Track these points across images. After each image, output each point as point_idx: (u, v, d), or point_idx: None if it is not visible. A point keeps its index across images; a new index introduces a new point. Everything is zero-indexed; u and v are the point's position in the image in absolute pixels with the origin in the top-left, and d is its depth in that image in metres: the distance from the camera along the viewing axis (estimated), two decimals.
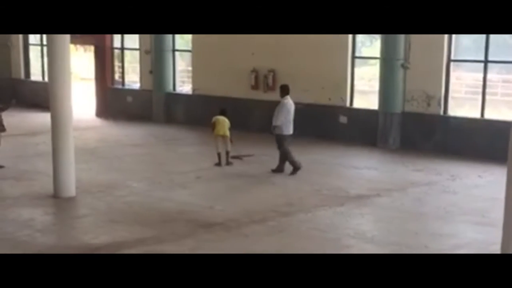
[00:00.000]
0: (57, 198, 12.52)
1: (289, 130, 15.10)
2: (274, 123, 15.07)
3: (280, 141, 15.10)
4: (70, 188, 12.66)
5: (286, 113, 15.04)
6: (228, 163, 15.83)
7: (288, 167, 15.01)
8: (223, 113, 16.15)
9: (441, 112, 17.57)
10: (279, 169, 15.09)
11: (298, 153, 15.84)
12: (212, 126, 15.90)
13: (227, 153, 15.89)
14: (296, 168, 14.95)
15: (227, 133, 15.81)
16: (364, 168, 15.78)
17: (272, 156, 16.03)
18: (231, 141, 15.86)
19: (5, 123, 15.23)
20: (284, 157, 15.07)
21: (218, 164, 15.79)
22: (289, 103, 15.20)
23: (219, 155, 15.84)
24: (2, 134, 15.24)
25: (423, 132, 17.71)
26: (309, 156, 16.88)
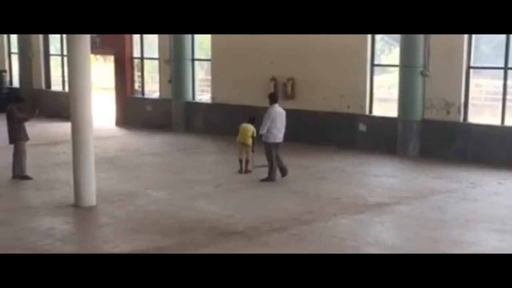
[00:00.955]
0: (78, 207, 12.59)
1: (275, 138, 15.13)
2: (260, 131, 15.17)
3: (266, 148, 15.20)
4: (91, 197, 12.73)
5: (271, 121, 15.07)
6: (246, 171, 15.86)
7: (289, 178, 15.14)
8: (250, 120, 16.20)
9: (461, 120, 17.50)
10: (270, 178, 15.14)
11: (319, 161, 15.83)
12: (236, 134, 16.01)
13: (247, 161, 15.93)
14: (271, 177, 15.08)
15: (248, 141, 15.83)
16: (383, 176, 15.75)
17: (291, 165, 16.04)
18: (252, 150, 15.88)
19: (27, 132, 15.32)
20: (271, 164, 15.15)
21: (240, 171, 15.85)
22: (275, 111, 15.25)
23: (240, 161, 15.91)
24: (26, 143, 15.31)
25: (443, 140, 17.65)
26: (329, 164, 16.89)
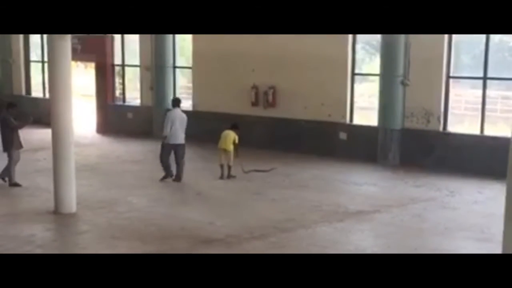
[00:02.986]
0: (58, 214, 12.56)
1: (173, 139, 15.73)
2: (163, 134, 15.87)
3: (162, 149, 15.93)
4: (71, 204, 12.70)
5: (170, 124, 15.71)
6: (230, 177, 15.96)
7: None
8: (233, 127, 16.45)
9: (441, 129, 17.62)
10: (177, 178, 15.80)
11: (300, 169, 15.92)
12: (218, 140, 16.21)
13: (229, 167, 16.01)
14: (166, 175, 15.84)
15: (229, 147, 15.97)
16: (364, 184, 15.81)
17: (272, 173, 16.10)
18: (235, 156, 16.02)
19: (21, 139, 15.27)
20: (181, 164, 15.91)
21: (221, 177, 15.95)
22: (173, 114, 15.92)
23: (221, 167, 16.02)
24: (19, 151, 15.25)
25: (423, 148, 17.75)
26: (309, 172, 16.94)
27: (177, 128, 15.74)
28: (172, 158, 15.91)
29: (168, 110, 16.65)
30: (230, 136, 16.10)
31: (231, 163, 16.05)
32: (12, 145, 14.94)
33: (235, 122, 16.89)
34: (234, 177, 16.03)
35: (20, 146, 15.08)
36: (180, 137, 15.83)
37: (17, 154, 15.04)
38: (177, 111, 16.07)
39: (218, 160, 16.17)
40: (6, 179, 15.07)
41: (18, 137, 15.04)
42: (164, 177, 15.84)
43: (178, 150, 15.84)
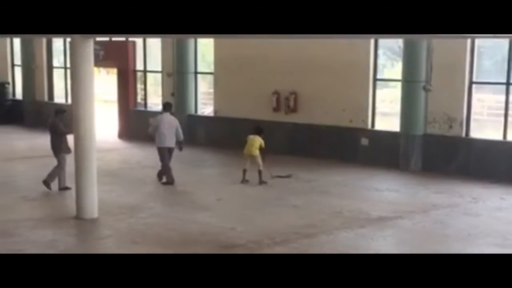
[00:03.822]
0: (80, 220, 12.61)
1: (159, 143, 16.17)
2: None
3: (158, 152, 16.32)
4: (93, 209, 12.74)
5: (154, 127, 16.29)
6: (261, 183, 16.02)
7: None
8: (257, 131, 16.51)
9: (463, 134, 17.51)
10: (169, 180, 16.08)
11: (321, 174, 15.93)
12: (244, 145, 16.30)
13: (260, 172, 16.06)
14: (169, 180, 16.14)
15: (256, 153, 16.03)
16: (385, 190, 15.74)
17: (293, 178, 16.07)
18: (263, 160, 16.11)
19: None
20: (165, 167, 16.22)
21: (242, 181, 16.03)
22: (159, 118, 16.40)
23: (244, 172, 16.09)
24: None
25: (445, 154, 17.64)
26: (331, 178, 16.89)
27: (163, 132, 16.05)
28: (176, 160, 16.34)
29: (160, 114, 17.12)
30: (256, 142, 16.16)
31: (261, 168, 16.07)
32: (60, 150, 15.11)
33: (259, 126, 16.98)
34: (265, 183, 16.05)
35: (68, 151, 15.20)
36: (167, 141, 16.12)
37: (64, 158, 15.19)
38: (165, 115, 16.38)
39: (243, 164, 16.17)
40: (51, 186, 15.17)
41: (66, 142, 15.21)
42: (169, 183, 16.09)
43: (171, 153, 16.27)
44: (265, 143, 16.15)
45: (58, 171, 15.17)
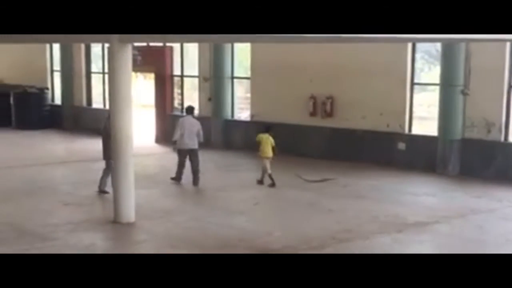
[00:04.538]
0: (117, 224, 12.69)
1: (180, 145, 16.70)
2: (173, 138, 17.05)
3: (178, 154, 16.85)
4: (130, 213, 12.82)
5: (178, 130, 16.76)
6: (272, 185, 16.14)
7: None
8: (267, 130, 16.66)
9: (502, 139, 17.34)
10: (194, 183, 16.57)
11: (357, 179, 15.96)
12: (258, 145, 16.36)
13: (269, 174, 16.22)
14: (177, 178, 16.72)
15: (270, 153, 16.20)
16: (422, 194, 15.65)
17: (328, 183, 16.06)
18: (275, 155, 16.32)
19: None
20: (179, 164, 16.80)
21: (272, 185, 16.07)
22: (181, 121, 16.98)
23: (270, 176, 16.11)
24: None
25: (483, 159, 17.49)
26: (367, 182, 16.83)
27: (184, 134, 16.56)
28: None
29: (182, 117, 17.71)
30: (270, 140, 16.32)
31: (270, 170, 16.24)
32: (110, 154, 15.29)
33: (268, 124, 17.45)
34: (262, 183, 16.37)
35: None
36: (186, 143, 16.60)
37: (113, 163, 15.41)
38: (187, 118, 17.00)
39: (265, 169, 16.29)
40: (106, 190, 15.39)
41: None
42: (174, 178, 16.77)
43: (191, 156, 16.65)
44: (301, 147, 16.14)
45: (106, 174, 15.34)
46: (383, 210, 13.91)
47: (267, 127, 16.93)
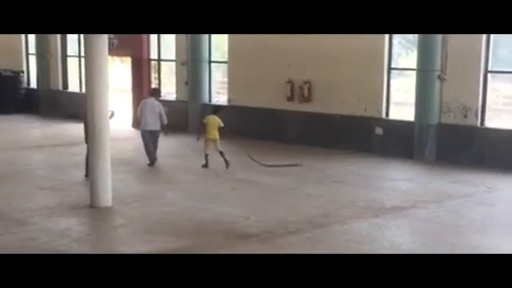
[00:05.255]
0: (94, 208, 12.62)
1: (143, 126, 17.21)
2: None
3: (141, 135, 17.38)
4: (107, 198, 12.75)
5: (139, 111, 17.32)
6: (227, 165, 16.34)
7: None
8: (215, 112, 16.94)
9: (478, 124, 17.41)
10: (151, 160, 17.06)
11: (335, 164, 15.98)
12: (204, 128, 16.59)
13: (222, 153, 16.41)
14: (150, 160, 17.05)
15: (217, 135, 16.41)
16: (400, 179, 15.70)
17: (307, 167, 16.05)
18: (228, 136, 16.88)
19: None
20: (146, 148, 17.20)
21: (205, 165, 16.46)
22: (145, 102, 17.39)
23: (206, 157, 16.43)
24: None
25: (460, 144, 17.56)
26: (345, 167, 16.85)
27: (145, 116, 17.02)
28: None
29: (145, 99, 18.18)
30: (216, 123, 16.48)
31: (221, 148, 16.47)
32: None
33: (217, 106, 17.98)
34: (229, 163, 16.45)
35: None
36: (148, 124, 16.99)
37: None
38: (149, 100, 17.42)
39: (204, 149, 16.62)
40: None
41: None
42: (150, 163, 16.97)
43: (152, 137, 17.06)
44: (278, 132, 16.11)
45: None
46: (360, 195, 13.94)
47: (215, 109, 17.32)
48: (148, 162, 16.99)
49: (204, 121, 16.78)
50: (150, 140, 17.00)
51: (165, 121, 17.16)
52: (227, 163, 16.39)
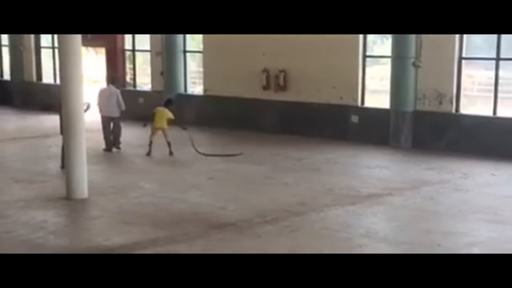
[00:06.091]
0: (70, 200, 12.55)
1: (101, 112, 17.75)
2: None
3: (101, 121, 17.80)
4: (83, 190, 12.67)
5: (98, 98, 17.80)
6: (171, 154, 16.72)
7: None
8: (167, 104, 17.40)
9: (453, 110, 17.51)
10: (107, 147, 17.53)
11: (312, 152, 16.04)
12: (152, 117, 16.99)
13: (169, 144, 16.71)
14: (106, 146, 17.49)
15: (165, 125, 16.78)
16: (376, 167, 15.75)
17: (284, 156, 16.07)
18: (185, 129, 17.25)
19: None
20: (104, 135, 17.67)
21: (149, 153, 16.78)
22: (103, 90, 18.04)
23: (150, 144, 16.78)
24: None
25: (435, 131, 17.66)
26: (321, 155, 16.89)
27: (103, 102, 17.54)
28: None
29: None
30: (165, 114, 16.86)
31: (169, 139, 16.78)
32: None
33: (169, 98, 18.32)
34: (172, 154, 16.82)
35: None
36: (106, 111, 17.44)
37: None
38: (107, 87, 18.12)
39: (150, 137, 16.93)
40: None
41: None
42: (105, 149, 17.43)
43: (113, 123, 17.57)
44: (254, 121, 16.10)
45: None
46: (337, 183, 13.98)
47: (167, 101, 17.68)
48: (104, 147, 17.46)
49: (154, 110, 17.15)
50: (108, 126, 17.36)
51: (123, 107, 17.56)
52: (171, 153, 16.81)
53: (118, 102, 17.45)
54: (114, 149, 17.61)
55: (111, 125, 17.59)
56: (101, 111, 17.64)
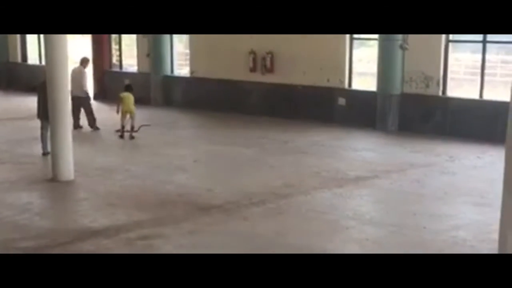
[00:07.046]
0: (55, 182, 12.49)
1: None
2: None
3: None
4: (68, 171, 12.61)
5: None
6: (132, 138, 16.83)
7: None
8: (128, 89, 17.60)
9: (440, 93, 17.52)
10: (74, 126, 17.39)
11: (298, 135, 15.97)
12: (120, 102, 17.22)
13: (132, 128, 16.98)
14: (73, 124, 17.20)
15: (133, 109, 17.14)
16: (362, 150, 15.76)
17: (270, 139, 16.05)
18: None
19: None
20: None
21: (121, 136, 16.94)
22: (72, 70, 17.48)
23: (123, 128, 16.98)
24: None
25: (422, 114, 17.67)
26: (308, 138, 16.88)
27: (71, 83, 16.87)
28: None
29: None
30: (131, 99, 17.19)
31: (134, 124, 17.10)
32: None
33: (129, 83, 18.64)
34: (133, 138, 16.91)
35: None
36: (73, 90, 16.92)
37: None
38: (76, 67, 18.34)
39: (121, 121, 17.01)
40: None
41: None
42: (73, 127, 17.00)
43: (82, 103, 18.06)
44: (241, 103, 16.06)
45: (45, 134, 15.18)
46: (324, 165, 13.97)
47: (127, 87, 17.85)
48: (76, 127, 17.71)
49: (121, 97, 17.29)
50: (75, 105, 17.22)
51: (84, 87, 18.09)
52: (131, 137, 16.87)
53: (81, 82, 17.87)
54: (91, 129, 18.07)
55: (80, 105, 17.95)
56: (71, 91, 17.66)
